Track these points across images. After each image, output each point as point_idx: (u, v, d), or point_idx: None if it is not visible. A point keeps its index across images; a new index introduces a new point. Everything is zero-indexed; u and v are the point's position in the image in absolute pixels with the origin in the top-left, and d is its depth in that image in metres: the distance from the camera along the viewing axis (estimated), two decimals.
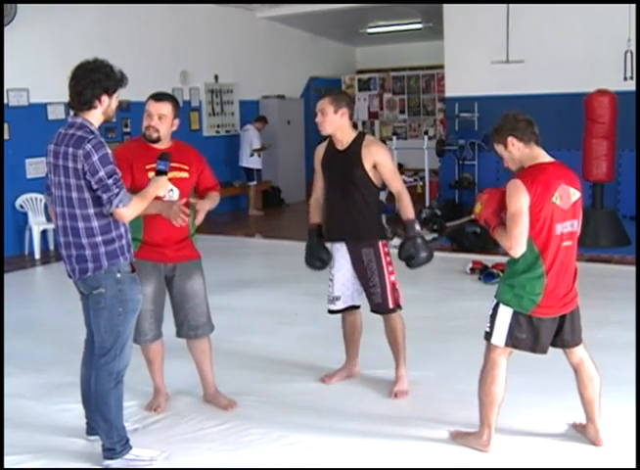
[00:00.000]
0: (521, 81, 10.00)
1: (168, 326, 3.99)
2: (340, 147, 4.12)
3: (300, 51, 13.54)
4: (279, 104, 12.59)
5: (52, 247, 8.78)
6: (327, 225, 4.24)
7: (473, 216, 3.76)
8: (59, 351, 5.05)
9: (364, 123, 14.65)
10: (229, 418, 3.92)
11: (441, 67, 11.61)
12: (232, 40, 11.80)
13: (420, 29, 13.12)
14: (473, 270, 7.10)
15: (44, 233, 8.74)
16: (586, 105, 8.30)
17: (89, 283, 3.26)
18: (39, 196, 8.50)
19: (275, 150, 12.26)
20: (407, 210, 4.08)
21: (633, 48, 8.81)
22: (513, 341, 3.34)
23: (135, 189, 3.43)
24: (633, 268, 6.97)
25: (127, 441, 3.42)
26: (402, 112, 14.42)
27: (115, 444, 3.37)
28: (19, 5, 8.37)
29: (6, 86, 8.36)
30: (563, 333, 3.38)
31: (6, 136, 8.52)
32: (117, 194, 3.14)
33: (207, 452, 3.56)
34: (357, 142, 4.08)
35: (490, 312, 3.39)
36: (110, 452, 3.37)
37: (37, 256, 8.55)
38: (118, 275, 3.25)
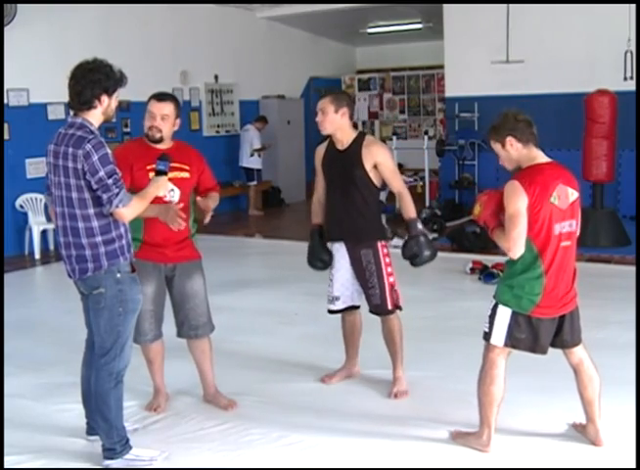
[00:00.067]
0: (521, 81, 10.00)
1: (168, 326, 3.99)
2: (340, 147, 4.12)
3: (300, 51, 13.54)
4: (279, 104, 12.59)
5: (52, 247, 8.78)
6: (327, 225, 4.24)
7: (472, 217, 3.76)
8: (59, 351, 5.05)
9: (364, 123, 14.65)
10: (229, 418, 3.92)
11: (441, 67, 11.62)
12: (232, 40, 11.81)
13: (420, 29, 13.12)
14: (473, 270, 7.11)
15: (44, 233, 8.74)
16: (586, 105, 8.30)
17: (89, 283, 3.26)
18: (39, 196, 8.50)
19: (275, 150, 12.26)
20: (409, 209, 4.08)
21: (633, 48, 8.81)
22: (512, 341, 3.34)
23: (135, 189, 3.43)
24: (633, 268, 6.97)
25: (127, 441, 3.42)
26: (402, 112, 14.43)
27: (115, 444, 3.37)
28: (19, 5, 8.37)
29: (6, 86, 8.36)
30: (562, 333, 3.38)
31: (6, 136, 8.52)
32: (117, 194, 3.14)
33: (207, 452, 3.56)
34: (358, 142, 4.07)
35: (489, 313, 3.39)
36: (110, 452, 3.38)
37: (37, 256, 8.55)
38: (118, 275, 3.25)
